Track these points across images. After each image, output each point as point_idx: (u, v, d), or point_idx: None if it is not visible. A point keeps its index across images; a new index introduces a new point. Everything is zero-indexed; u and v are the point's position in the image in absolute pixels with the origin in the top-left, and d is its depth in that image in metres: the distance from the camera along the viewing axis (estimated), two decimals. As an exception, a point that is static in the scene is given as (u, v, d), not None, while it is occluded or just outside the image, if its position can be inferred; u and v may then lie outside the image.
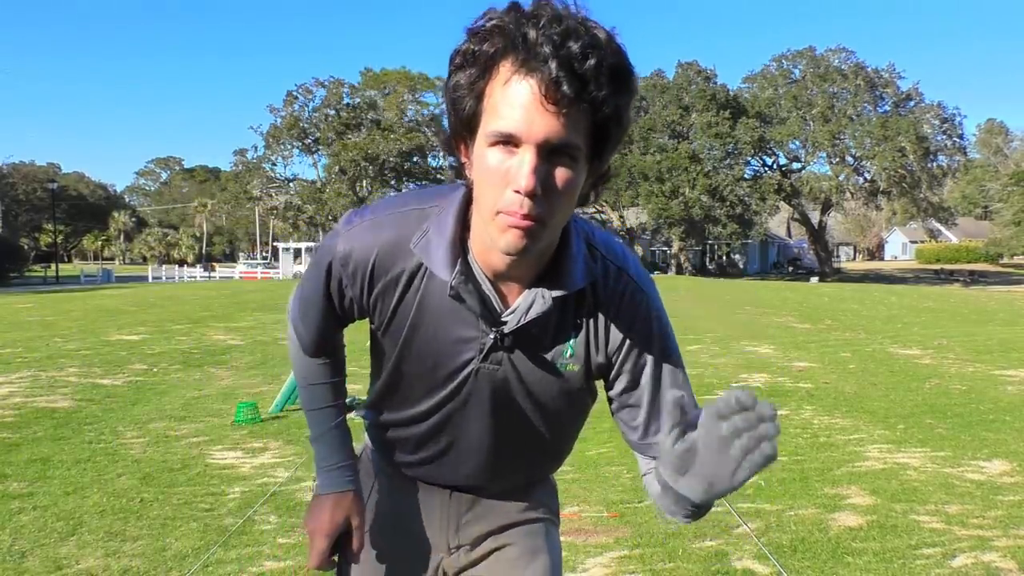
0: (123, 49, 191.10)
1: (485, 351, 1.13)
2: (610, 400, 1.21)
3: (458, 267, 1.07)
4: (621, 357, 1.16)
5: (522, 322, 1.10)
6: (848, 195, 55.37)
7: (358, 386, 8.15)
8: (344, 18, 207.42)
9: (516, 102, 0.92)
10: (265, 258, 70.67)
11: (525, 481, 1.34)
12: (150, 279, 48.14)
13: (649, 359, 1.16)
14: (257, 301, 22.56)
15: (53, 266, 51.50)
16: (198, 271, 57.80)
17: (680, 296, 26.18)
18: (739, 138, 48.89)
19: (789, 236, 72.99)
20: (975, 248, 67.40)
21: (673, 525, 3.88)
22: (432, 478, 1.32)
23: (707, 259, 59.14)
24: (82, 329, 14.03)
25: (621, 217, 53.63)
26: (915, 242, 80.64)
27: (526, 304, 1.09)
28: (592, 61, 0.91)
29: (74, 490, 4.44)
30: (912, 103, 52.98)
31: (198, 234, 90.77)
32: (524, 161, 0.93)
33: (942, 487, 4.51)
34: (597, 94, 0.92)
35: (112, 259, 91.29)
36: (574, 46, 0.90)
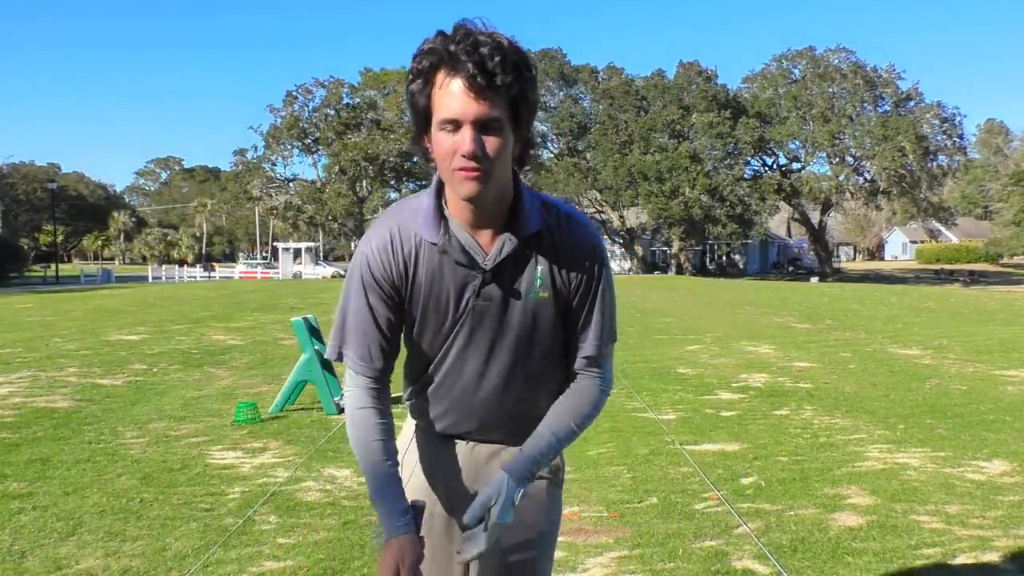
0: (123, 49, 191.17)
1: (477, 290, 1.48)
2: (564, 321, 1.56)
3: (441, 229, 1.46)
4: (575, 281, 1.52)
5: (497, 260, 1.45)
6: (848, 195, 55.39)
7: (358, 386, 8.08)
8: (344, 18, 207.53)
9: (451, 97, 1.32)
10: (265, 258, 70.64)
11: (527, 418, 1.58)
12: (150, 279, 48.14)
13: (594, 281, 1.53)
14: (257, 301, 22.55)
15: (53, 266, 51.50)
16: (198, 271, 57.77)
17: (680, 296, 26.17)
18: (739, 138, 48.89)
19: (789, 236, 72.99)
20: (975, 248, 67.41)
21: (673, 525, 3.88)
22: (456, 428, 1.62)
23: (707, 259, 59.14)
24: (82, 329, 14.03)
25: (621, 217, 53.61)
26: (915, 242, 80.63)
27: (498, 247, 1.46)
28: (497, 59, 1.29)
29: (74, 490, 4.44)
30: (912, 103, 52.97)
31: (198, 234, 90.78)
32: (465, 135, 1.32)
33: (942, 487, 4.51)
34: (504, 80, 1.30)
35: (112, 259, 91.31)
36: (484, 50, 1.29)
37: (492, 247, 1.46)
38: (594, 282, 1.53)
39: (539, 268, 1.49)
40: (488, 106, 1.31)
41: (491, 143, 1.34)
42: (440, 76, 1.33)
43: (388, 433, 1.53)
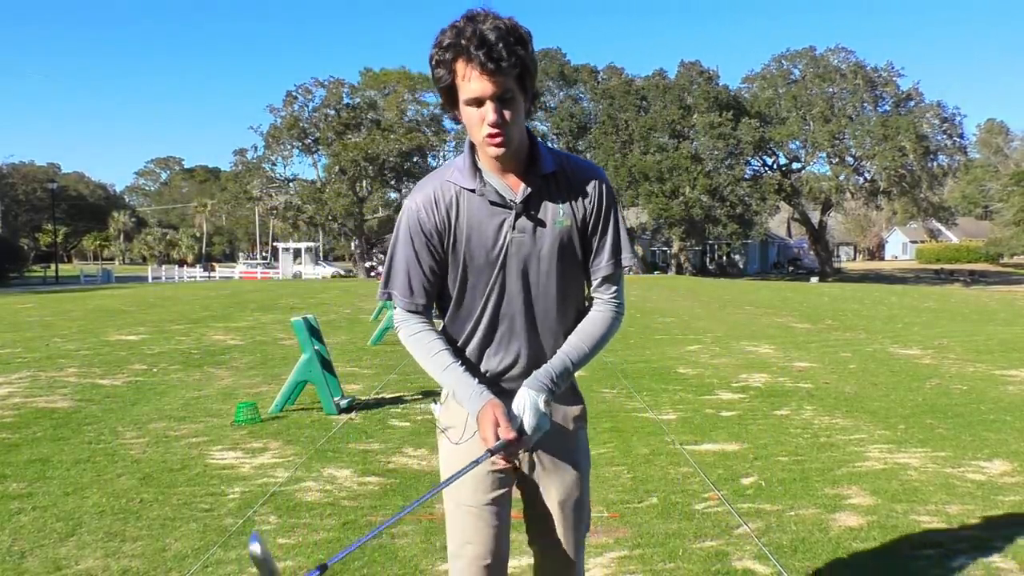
0: (123, 48, 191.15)
1: (512, 223, 1.78)
2: (583, 249, 1.87)
3: (477, 178, 1.79)
4: (590, 209, 1.84)
5: (525, 196, 1.78)
6: (848, 195, 55.36)
7: (358, 386, 8.13)
8: (344, 18, 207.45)
9: (471, 80, 1.65)
10: (265, 258, 70.65)
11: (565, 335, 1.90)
12: (150, 279, 48.13)
13: (604, 209, 1.86)
14: (257, 301, 22.55)
15: (53, 266, 51.50)
16: (198, 271, 57.78)
17: (680, 296, 26.17)
18: (740, 138, 48.87)
19: (789, 236, 72.97)
20: (975, 248, 67.40)
21: (674, 525, 3.88)
22: (506, 359, 1.88)
23: (707, 259, 59.13)
24: (82, 329, 14.03)
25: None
26: (915, 242, 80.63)
27: (524, 186, 1.79)
28: (500, 44, 1.60)
29: (73, 490, 4.44)
30: (912, 103, 52.95)
31: (198, 234, 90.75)
32: (488, 109, 1.67)
33: (943, 487, 4.51)
34: (508, 61, 1.62)
35: (112, 259, 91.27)
36: (490, 39, 1.60)
37: (519, 187, 1.79)
38: (604, 210, 1.85)
39: (560, 201, 1.81)
40: (501, 83, 1.64)
41: (508, 112, 1.68)
42: (459, 65, 1.65)
43: (443, 343, 1.86)
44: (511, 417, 1.75)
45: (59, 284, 42.09)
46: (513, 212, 1.78)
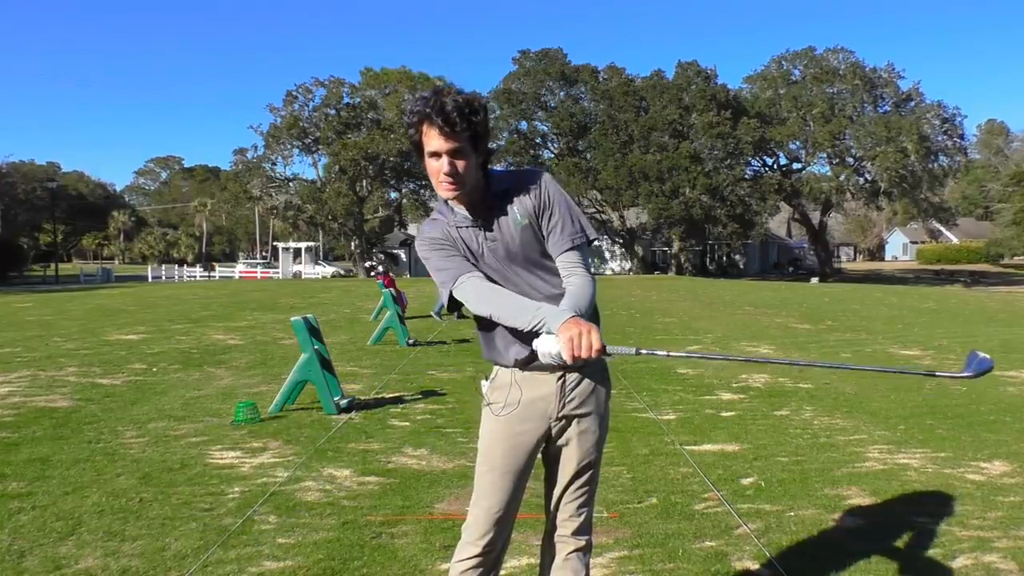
0: (124, 48, 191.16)
1: (483, 234, 2.20)
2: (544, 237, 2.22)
3: (450, 212, 2.23)
4: (537, 202, 2.20)
5: (483, 215, 2.19)
6: (849, 195, 55.36)
7: (358, 386, 8.12)
8: (344, 18, 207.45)
9: (431, 139, 2.07)
10: (265, 258, 70.66)
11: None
12: (150, 279, 48.13)
13: (548, 196, 2.21)
14: (257, 301, 22.56)
15: (52, 265, 51.51)
16: (198, 271, 57.78)
17: (680, 296, 26.17)
18: (740, 138, 48.84)
19: (789, 236, 72.95)
20: (976, 249, 67.41)
21: (673, 526, 3.87)
22: (513, 341, 2.21)
23: (707, 259, 59.09)
24: (81, 329, 14.03)
25: (621, 217, 53.60)
26: (916, 243, 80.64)
27: (482, 208, 2.20)
28: (455, 113, 2.03)
29: (73, 490, 4.44)
30: (912, 103, 52.95)
31: (198, 234, 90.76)
32: (444, 162, 2.08)
33: (942, 488, 4.50)
34: (462, 125, 2.04)
35: (111, 259, 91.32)
36: (447, 109, 2.03)
37: (478, 210, 2.21)
38: (548, 199, 2.20)
39: (514, 208, 2.19)
40: (454, 141, 2.05)
41: (460, 163, 2.08)
42: (424, 127, 2.08)
43: (502, 288, 2.19)
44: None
45: (59, 283, 42.10)
46: (482, 231, 2.20)
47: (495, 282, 2.22)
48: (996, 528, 3.84)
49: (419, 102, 2.10)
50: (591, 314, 2.17)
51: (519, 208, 2.19)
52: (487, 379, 2.36)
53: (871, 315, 18.13)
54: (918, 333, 13.81)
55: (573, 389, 2.25)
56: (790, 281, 46.95)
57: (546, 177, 2.24)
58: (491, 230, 2.21)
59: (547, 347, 2.01)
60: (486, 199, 2.20)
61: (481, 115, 2.10)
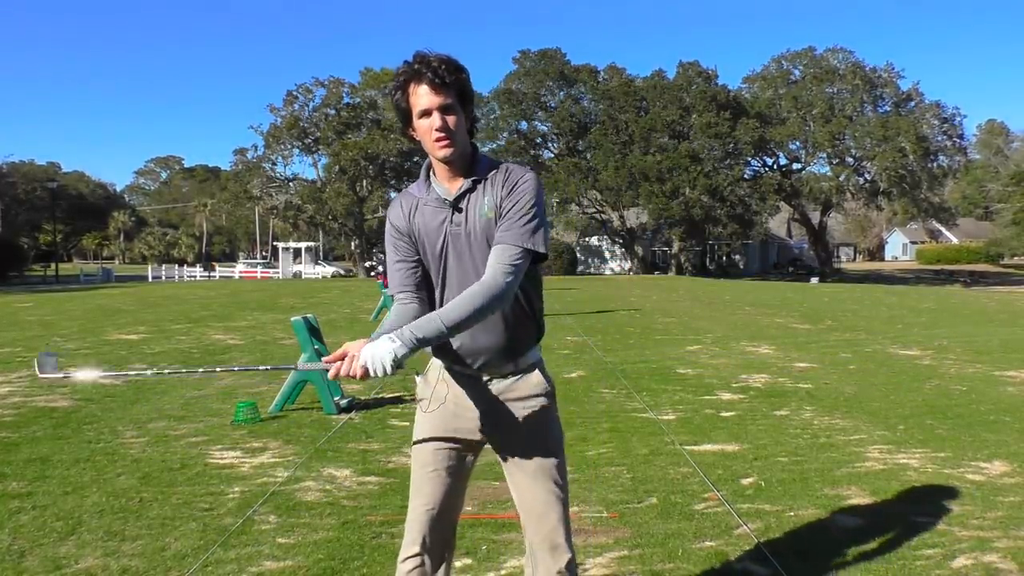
0: (124, 48, 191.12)
1: (449, 217, 2.13)
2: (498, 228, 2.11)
3: (426, 187, 2.18)
4: (508, 202, 2.10)
5: (456, 195, 2.12)
6: (848, 195, 55.32)
7: (357, 386, 8.12)
8: (344, 18, 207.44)
9: (421, 96, 2.04)
10: (265, 258, 70.68)
11: (512, 337, 2.18)
12: (150, 278, 48.11)
13: (519, 198, 2.10)
14: (257, 301, 22.55)
15: (53, 265, 51.46)
16: (198, 271, 57.76)
17: (680, 296, 26.17)
18: (739, 138, 48.82)
19: (789, 236, 72.95)
20: (976, 249, 67.41)
21: (673, 526, 3.88)
22: (465, 356, 2.18)
23: (707, 259, 59.06)
24: (82, 328, 14.03)
25: (621, 217, 53.56)
26: (915, 243, 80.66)
27: (459, 188, 2.13)
28: (442, 67, 2.02)
29: (73, 490, 4.44)
30: (912, 103, 52.93)
31: (198, 234, 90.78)
32: (435, 117, 2.04)
33: (942, 488, 4.51)
34: (448, 79, 2.03)
35: (112, 258, 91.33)
36: (434, 64, 2.02)
37: (456, 188, 2.14)
38: (519, 199, 2.09)
39: (487, 198, 2.11)
40: (444, 96, 2.03)
41: (451, 119, 2.05)
42: (411, 87, 2.05)
43: (414, 312, 2.15)
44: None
45: (59, 283, 42.09)
46: (451, 210, 2.13)
47: (445, 281, 2.17)
48: (996, 528, 3.84)
49: (404, 66, 2.06)
50: (449, 334, 2.01)
51: (489, 200, 2.11)
52: (419, 375, 2.35)
53: (871, 315, 18.13)
54: (918, 333, 13.81)
55: (504, 390, 2.21)
56: (790, 281, 46.95)
57: (531, 178, 2.12)
58: (460, 211, 2.12)
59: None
60: (470, 174, 2.13)
61: (465, 73, 2.07)
